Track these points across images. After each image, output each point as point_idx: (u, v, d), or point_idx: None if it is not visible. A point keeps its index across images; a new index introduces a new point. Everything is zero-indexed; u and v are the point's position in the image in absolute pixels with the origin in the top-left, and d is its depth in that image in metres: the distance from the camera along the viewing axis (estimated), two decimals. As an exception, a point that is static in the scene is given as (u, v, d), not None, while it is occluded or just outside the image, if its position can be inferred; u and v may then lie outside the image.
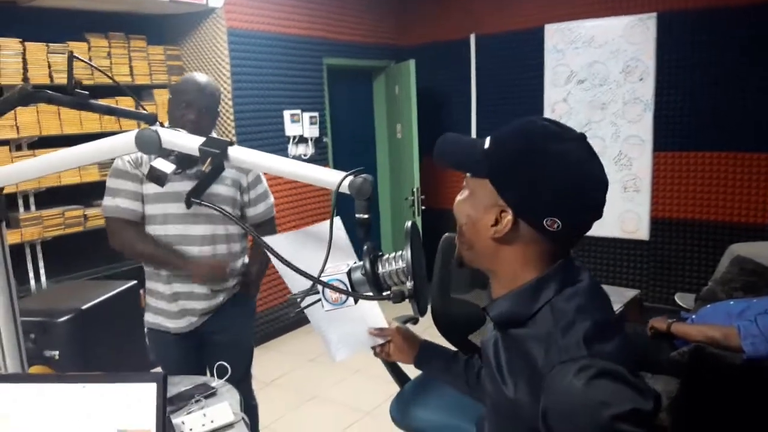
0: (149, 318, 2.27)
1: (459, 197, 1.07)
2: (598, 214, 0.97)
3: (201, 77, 2.16)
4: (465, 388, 1.41)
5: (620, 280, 4.82)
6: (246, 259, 2.39)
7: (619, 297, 4.14)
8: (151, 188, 2.14)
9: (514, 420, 0.99)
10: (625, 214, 4.70)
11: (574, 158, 0.95)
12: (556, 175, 0.94)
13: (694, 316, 2.79)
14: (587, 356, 0.88)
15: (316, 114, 4.85)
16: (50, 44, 3.38)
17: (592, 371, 0.86)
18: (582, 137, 0.97)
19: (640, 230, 4.67)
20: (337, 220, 1.12)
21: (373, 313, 1.52)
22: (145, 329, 2.24)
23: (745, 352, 2.32)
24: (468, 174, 1.05)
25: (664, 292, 4.62)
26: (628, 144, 4.60)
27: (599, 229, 4.71)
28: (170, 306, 2.22)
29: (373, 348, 1.50)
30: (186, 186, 2.01)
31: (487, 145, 1.01)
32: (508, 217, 0.97)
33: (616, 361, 0.88)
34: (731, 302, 2.74)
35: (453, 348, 1.51)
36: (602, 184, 0.97)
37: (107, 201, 2.16)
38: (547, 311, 0.96)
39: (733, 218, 4.28)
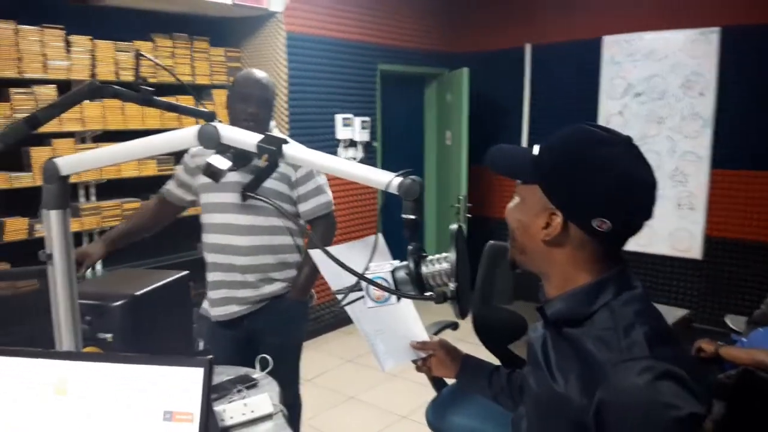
0: (203, 304, 2.38)
1: (510, 205, 1.10)
2: (648, 215, 0.99)
3: (258, 72, 2.25)
4: (509, 402, 1.42)
5: (669, 299, 4.69)
6: (299, 258, 2.38)
7: (667, 316, 3.94)
8: (200, 179, 2.27)
9: (559, 414, 1.01)
10: (678, 232, 4.58)
11: (620, 161, 0.97)
12: (602, 178, 0.97)
13: (744, 339, 2.70)
14: (650, 357, 0.91)
15: (367, 118, 4.90)
16: (118, 42, 3.53)
17: (655, 372, 0.89)
18: (628, 140, 1.00)
19: (693, 249, 4.54)
20: (380, 237, 1.14)
21: (416, 326, 1.54)
22: (198, 315, 2.33)
23: (797, 380, 2.24)
24: (518, 182, 1.08)
25: (715, 314, 4.47)
26: (685, 160, 4.49)
27: (650, 245, 4.66)
28: (212, 293, 2.30)
29: (415, 362, 1.52)
30: (230, 177, 2.06)
31: (536, 152, 1.04)
32: (558, 219, 1.00)
33: (676, 364, 0.91)
34: (786, 327, 2.64)
35: (494, 358, 1.52)
36: (650, 186, 0.99)
37: (168, 183, 2.44)
38: (606, 313, 0.99)
39: (791, 241, 4.12)
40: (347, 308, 1.34)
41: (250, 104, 2.16)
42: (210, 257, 2.30)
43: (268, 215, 2.24)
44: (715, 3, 4.23)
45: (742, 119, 4.23)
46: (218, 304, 2.29)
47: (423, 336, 1.51)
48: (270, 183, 2.23)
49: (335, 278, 1.31)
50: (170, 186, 2.42)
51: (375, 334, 1.49)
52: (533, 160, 1.03)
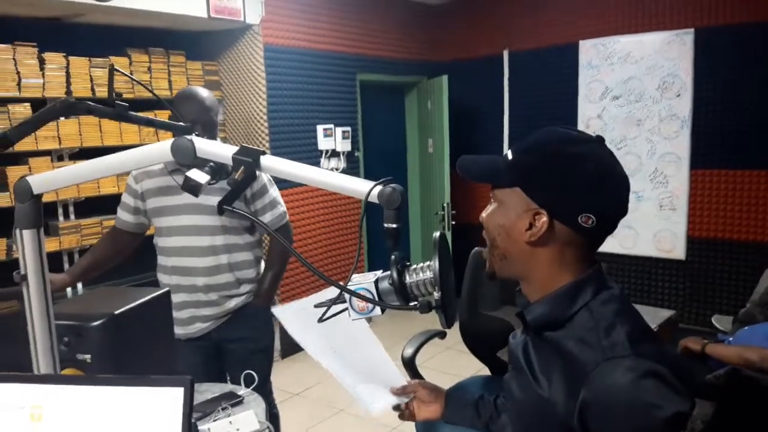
0: None
1: (486, 211, 1.09)
2: (624, 210, 1.01)
3: (196, 88, 2.27)
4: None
5: (655, 300, 4.72)
6: (261, 269, 2.43)
7: (653, 317, 4.04)
8: (151, 202, 2.28)
9: (544, 420, 1.00)
10: (661, 233, 4.61)
11: (598, 157, 0.99)
12: (583, 173, 0.98)
13: (731, 339, 2.71)
14: (633, 355, 0.90)
15: (348, 129, 4.89)
16: (93, 59, 3.48)
17: (639, 371, 0.89)
18: (601, 140, 1.02)
19: (676, 249, 4.57)
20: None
21: (391, 371, 1.46)
22: None
23: (784, 376, 2.24)
24: (493, 187, 1.07)
25: (701, 314, 4.50)
26: (664, 161, 4.53)
27: (634, 247, 4.69)
28: (179, 314, 2.28)
29: (397, 409, 1.38)
30: (183, 200, 2.19)
31: (510, 156, 1.04)
32: (543, 218, 0.99)
33: (658, 362, 0.91)
34: (770, 325, 2.66)
35: (482, 366, 1.49)
36: (626, 181, 1.01)
37: (118, 211, 2.41)
38: (585, 314, 0.99)
39: (773, 238, 4.17)
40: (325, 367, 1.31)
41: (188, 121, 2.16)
42: (172, 279, 2.30)
43: (226, 234, 2.27)
44: (689, 5, 4.29)
45: (719, 119, 4.28)
46: (185, 324, 2.31)
47: (399, 380, 1.43)
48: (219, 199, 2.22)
49: (302, 334, 1.31)
50: (120, 214, 2.39)
51: (354, 384, 1.36)
52: (509, 164, 1.04)
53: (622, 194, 1.00)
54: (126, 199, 2.37)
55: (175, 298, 2.28)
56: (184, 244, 2.26)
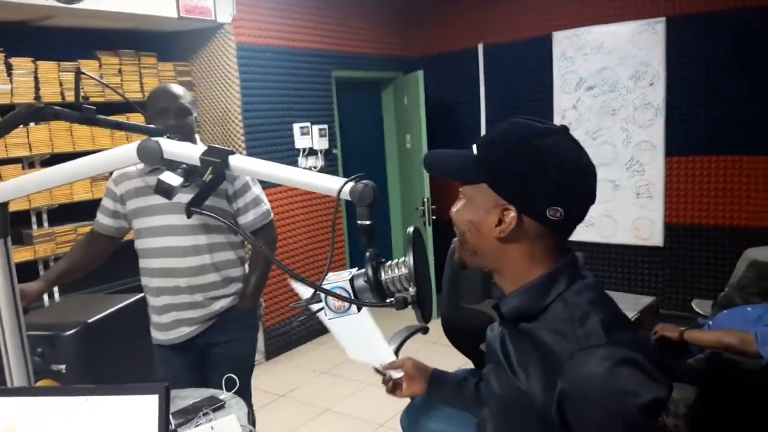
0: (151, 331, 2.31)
1: (455, 207, 1.09)
2: (592, 200, 1.01)
3: (171, 85, 2.23)
4: (480, 410, 1.40)
5: (635, 287, 4.76)
6: (246, 269, 2.40)
7: (634, 304, 4.06)
8: (130, 204, 2.23)
9: (523, 413, 1.00)
10: (639, 220, 4.65)
11: (562, 148, 0.99)
12: (548, 166, 0.97)
13: (710, 323, 2.74)
14: (608, 344, 0.90)
15: (325, 126, 4.86)
16: (61, 63, 3.42)
17: (614, 359, 0.89)
18: (566, 129, 1.01)
19: (654, 237, 4.61)
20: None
21: (382, 346, 1.51)
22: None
23: (762, 358, 2.27)
24: (462, 183, 1.07)
25: (681, 299, 4.55)
26: (640, 150, 4.56)
27: (613, 236, 4.72)
28: (161, 318, 2.24)
29: (385, 384, 1.49)
30: (160, 199, 2.06)
31: (476, 152, 1.03)
32: (512, 213, 0.99)
33: (633, 349, 0.91)
34: (748, 308, 2.68)
35: (465, 359, 1.50)
36: (592, 170, 1.01)
37: (97, 215, 2.33)
38: (560, 304, 0.99)
39: (748, 222, 4.22)
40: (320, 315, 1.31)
41: (169, 117, 2.13)
42: (154, 282, 2.25)
43: (209, 233, 2.23)
44: (659, -7, 4.33)
45: (692, 106, 4.32)
46: (169, 328, 2.26)
47: (389, 356, 1.48)
48: (208, 199, 2.19)
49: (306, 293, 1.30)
50: (99, 218, 2.32)
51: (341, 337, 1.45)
52: (474, 159, 1.03)
53: (588, 184, 1.00)
54: (106, 203, 2.30)
55: (158, 301, 2.24)
56: (166, 244, 2.20)
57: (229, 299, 2.31)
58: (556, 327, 0.96)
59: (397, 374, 1.47)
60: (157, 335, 2.27)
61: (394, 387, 1.48)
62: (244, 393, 2.42)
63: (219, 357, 2.31)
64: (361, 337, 1.50)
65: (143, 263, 2.29)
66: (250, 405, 2.46)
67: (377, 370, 1.53)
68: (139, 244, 2.27)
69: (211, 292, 2.25)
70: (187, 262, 2.20)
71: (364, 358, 1.53)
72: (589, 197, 1.00)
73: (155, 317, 2.26)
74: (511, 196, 0.99)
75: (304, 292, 1.28)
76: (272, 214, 2.41)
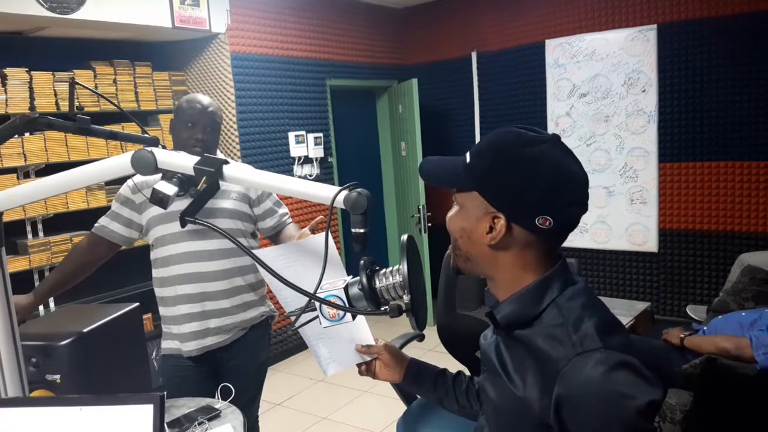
0: (163, 344, 2.22)
1: (450, 214, 1.10)
2: (584, 208, 1.01)
3: (203, 97, 2.18)
4: (454, 405, 1.39)
5: (630, 293, 4.78)
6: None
7: (629, 310, 4.08)
8: (151, 212, 2.13)
9: (521, 419, 1.00)
10: (633, 226, 4.67)
11: (549, 157, 0.98)
12: (539, 176, 0.97)
13: (705, 328, 2.75)
14: (603, 348, 0.91)
15: (320, 134, 4.87)
16: (56, 73, 3.42)
17: (609, 363, 0.89)
18: (556, 138, 1.01)
19: (649, 242, 4.63)
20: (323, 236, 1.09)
21: (363, 330, 1.47)
22: (160, 355, 2.20)
23: (757, 363, 2.29)
24: (455, 190, 1.08)
25: (675, 304, 4.57)
26: (633, 156, 4.59)
27: (608, 242, 4.74)
28: (181, 328, 2.15)
29: (359, 366, 1.43)
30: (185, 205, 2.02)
31: (468, 160, 1.04)
32: (501, 222, 1.00)
33: (628, 352, 0.92)
34: (743, 313, 2.70)
35: (439, 366, 1.47)
36: (581, 179, 1.00)
37: (103, 221, 2.18)
38: (553, 310, 0.99)
39: (742, 227, 4.24)
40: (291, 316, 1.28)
41: (198, 130, 2.10)
42: (176, 290, 2.14)
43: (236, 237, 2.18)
44: (650, 1, 4.36)
45: (684, 112, 4.35)
46: (190, 339, 2.14)
47: (369, 340, 1.44)
48: (229, 203, 2.17)
49: (284, 295, 1.28)
50: (105, 222, 2.18)
51: (317, 337, 1.40)
52: (466, 167, 1.03)
53: (578, 193, 1.00)
54: (119, 210, 2.17)
55: (179, 310, 2.13)
56: (193, 249, 2.11)
57: (256, 311, 2.25)
58: (550, 332, 0.97)
59: (369, 359, 1.42)
60: (180, 345, 2.16)
61: (367, 369, 1.43)
62: (255, 402, 2.37)
63: (232, 370, 2.21)
64: (339, 331, 1.46)
65: (164, 271, 2.16)
66: (256, 416, 2.42)
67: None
68: (160, 252, 2.15)
69: (237, 297, 2.18)
70: (215, 266, 2.13)
71: (343, 363, 1.47)
72: (580, 206, 1.00)
73: (176, 327, 2.16)
74: (500, 204, 0.99)
75: (289, 302, 1.28)
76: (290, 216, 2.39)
